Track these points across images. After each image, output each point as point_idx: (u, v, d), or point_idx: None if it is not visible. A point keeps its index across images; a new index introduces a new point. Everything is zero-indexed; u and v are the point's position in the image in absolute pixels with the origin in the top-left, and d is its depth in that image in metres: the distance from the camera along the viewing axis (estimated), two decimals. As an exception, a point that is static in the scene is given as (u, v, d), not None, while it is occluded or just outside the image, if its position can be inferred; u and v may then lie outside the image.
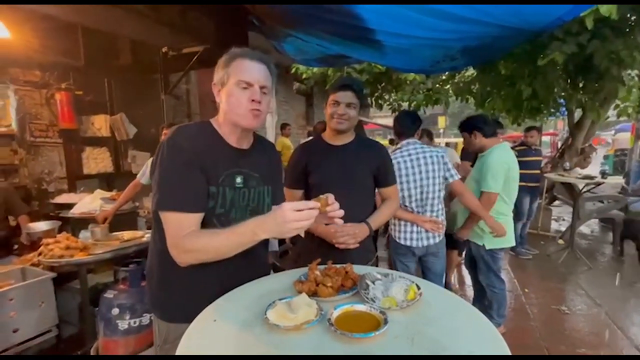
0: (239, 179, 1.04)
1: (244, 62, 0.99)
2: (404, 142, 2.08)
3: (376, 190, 1.67)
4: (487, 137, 2.27)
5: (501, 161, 2.18)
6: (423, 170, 2.00)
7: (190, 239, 0.91)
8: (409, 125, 2.10)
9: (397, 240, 2.06)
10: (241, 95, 0.98)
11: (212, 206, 0.99)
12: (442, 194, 2.07)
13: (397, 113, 2.33)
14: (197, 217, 0.95)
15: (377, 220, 1.56)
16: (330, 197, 0.90)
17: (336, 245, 1.46)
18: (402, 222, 2.03)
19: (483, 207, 2.14)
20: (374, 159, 1.58)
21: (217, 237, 0.91)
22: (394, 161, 2.02)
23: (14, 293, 1.74)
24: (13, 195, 2.90)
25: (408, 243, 2.02)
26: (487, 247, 2.27)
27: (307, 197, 1.60)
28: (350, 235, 1.46)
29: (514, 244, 2.36)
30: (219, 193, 0.99)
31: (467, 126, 2.32)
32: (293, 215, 0.79)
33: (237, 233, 0.89)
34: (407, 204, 2.02)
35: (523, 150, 4.17)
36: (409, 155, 2.02)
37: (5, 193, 2.84)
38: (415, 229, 2.01)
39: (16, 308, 1.74)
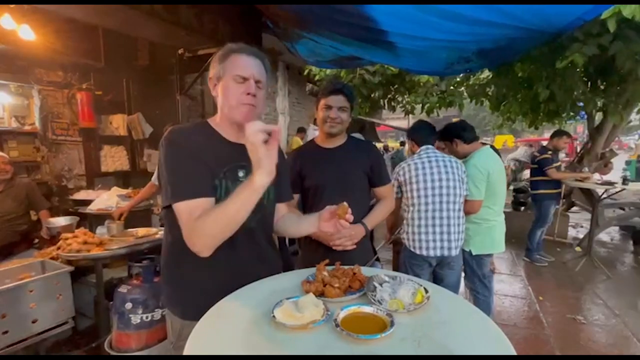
0: (241, 173, 1.04)
1: (240, 57, 1.01)
2: (423, 147, 2.06)
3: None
4: (467, 143, 2.27)
5: (480, 167, 2.15)
6: (442, 171, 1.93)
7: (200, 221, 0.89)
8: (427, 134, 2.10)
9: (412, 249, 1.99)
10: (236, 89, 1.00)
11: (218, 199, 0.99)
12: (461, 204, 2.00)
13: (414, 122, 2.29)
14: (206, 202, 0.94)
15: (372, 220, 1.57)
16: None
17: (333, 248, 1.47)
18: (417, 230, 1.96)
19: (464, 213, 2.12)
20: (366, 159, 1.59)
21: (221, 206, 0.89)
22: (410, 163, 1.99)
23: (33, 285, 1.81)
24: (35, 190, 3.02)
25: (424, 253, 1.94)
26: (474, 253, 2.24)
27: (304, 200, 1.63)
28: (346, 237, 1.48)
29: (502, 249, 2.32)
30: (222, 186, 1.00)
31: (447, 135, 2.33)
32: (250, 128, 0.83)
33: (235, 192, 0.87)
34: (422, 209, 1.93)
35: (551, 157, 4.02)
36: (428, 158, 1.98)
37: (27, 188, 2.96)
38: (430, 237, 1.93)
39: (35, 299, 1.81)
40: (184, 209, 0.92)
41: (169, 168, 0.97)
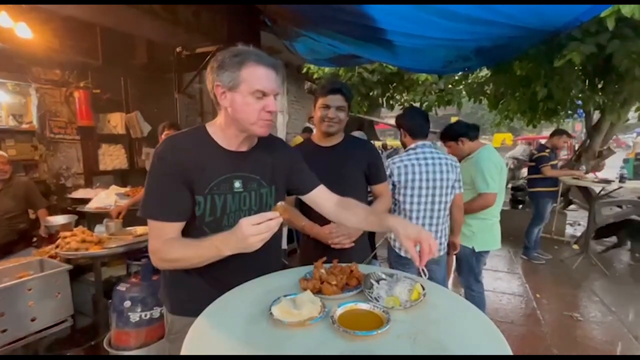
0: (237, 184, 1.04)
1: (259, 69, 0.95)
2: (419, 143, 1.91)
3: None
4: (473, 141, 2.30)
5: (494, 161, 2.19)
6: (437, 177, 1.84)
7: (165, 249, 0.95)
8: (422, 124, 1.93)
9: (398, 251, 1.93)
10: (257, 105, 0.96)
11: (201, 214, 1.00)
12: (449, 205, 1.95)
13: (404, 110, 2.16)
14: (176, 226, 0.98)
15: None
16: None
17: (332, 246, 1.48)
18: None
19: (480, 208, 2.17)
20: (363, 157, 1.60)
21: (187, 250, 0.94)
22: (407, 163, 1.86)
23: (32, 283, 1.81)
24: (33, 189, 3.01)
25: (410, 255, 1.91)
26: (477, 250, 2.26)
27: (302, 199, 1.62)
28: (344, 235, 1.48)
29: (499, 246, 2.36)
30: (206, 201, 1.00)
31: (453, 134, 2.33)
32: (250, 230, 0.81)
33: (203, 247, 0.91)
34: (413, 215, 1.85)
35: (548, 155, 4.03)
36: (425, 159, 1.85)
37: (25, 187, 2.95)
38: None
39: (34, 298, 1.81)
40: (153, 226, 0.97)
41: (148, 182, 0.99)
